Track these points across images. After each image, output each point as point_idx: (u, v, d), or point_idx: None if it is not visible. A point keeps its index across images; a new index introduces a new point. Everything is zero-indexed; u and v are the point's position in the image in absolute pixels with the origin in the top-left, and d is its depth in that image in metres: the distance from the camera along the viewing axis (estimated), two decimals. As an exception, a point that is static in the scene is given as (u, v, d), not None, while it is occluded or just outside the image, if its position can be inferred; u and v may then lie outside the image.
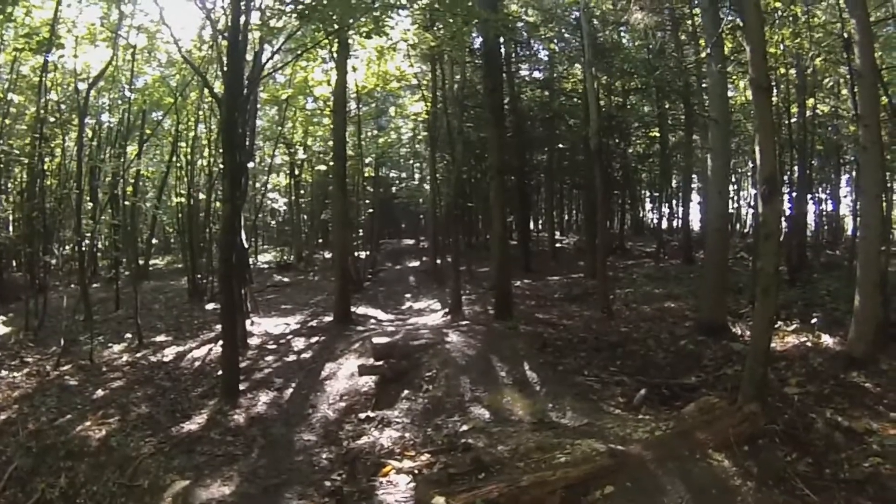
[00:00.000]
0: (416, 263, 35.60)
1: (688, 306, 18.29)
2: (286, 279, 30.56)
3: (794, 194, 23.54)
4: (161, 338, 17.68)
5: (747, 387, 9.26)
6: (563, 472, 6.47)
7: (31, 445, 10.88)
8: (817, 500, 6.75)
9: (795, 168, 23.67)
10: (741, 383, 9.73)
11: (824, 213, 33.85)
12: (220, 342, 14.55)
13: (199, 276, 24.53)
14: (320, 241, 43.88)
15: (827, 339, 13.68)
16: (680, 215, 35.83)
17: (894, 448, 8.17)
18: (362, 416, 11.25)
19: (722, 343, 14.31)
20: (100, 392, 13.30)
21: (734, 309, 16.77)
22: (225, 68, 13.36)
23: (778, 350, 13.18)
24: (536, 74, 35.13)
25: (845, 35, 14.98)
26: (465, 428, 9.53)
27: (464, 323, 17.11)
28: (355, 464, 8.94)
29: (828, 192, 33.68)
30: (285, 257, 37.95)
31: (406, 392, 11.86)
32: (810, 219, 29.85)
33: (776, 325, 14.38)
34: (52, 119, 23.41)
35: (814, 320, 14.89)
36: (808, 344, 13.64)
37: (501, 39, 20.69)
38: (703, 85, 22.45)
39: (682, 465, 6.83)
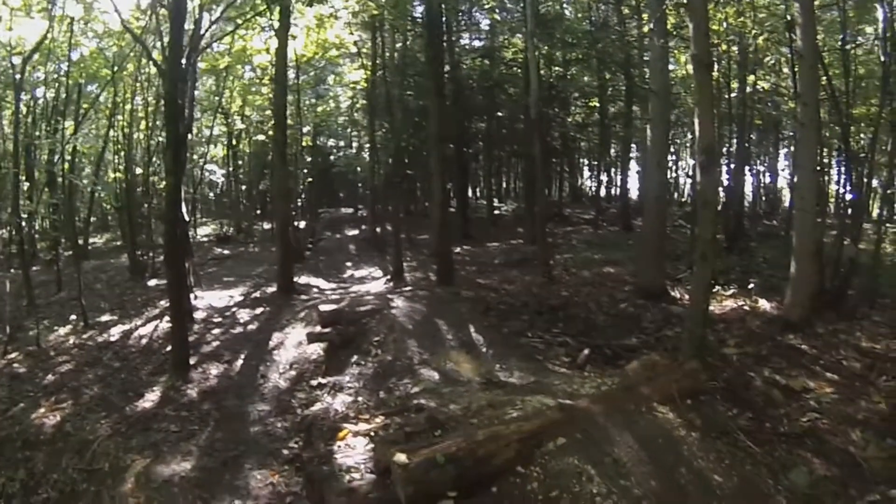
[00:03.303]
0: (356, 232, 35.68)
1: (627, 272, 18.77)
2: (226, 252, 30.11)
3: (732, 166, 24.26)
4: (106, 317, 17.24)
5: (687, 347, 9.68)
6: (516, 426, 6.71)
7: None
8: (759, 452, 7.11)
9: (734, 141, 24.38)
10: (681, 343, 10.20)
11: (762, 185, 35.00)
12: (166, 318, 14.47)
13: (139, 252, 24.11)
14: (259, 212, 43.49)
15: (764, 304, 14.39)
16: (618, 184, 36.46)
17: (831, 405, 8.68)
18: (314, 383, 11.36)
19: (661, 306, 14.84)
20: (50, 377, 12.98)
21: (672, 274, 17.35)
22: (167, 38, 13.14)
23: (717, 313, 13.78)
24: (477, 43, 35.17)
25: (788, 17, 15.50)
26: (416, 390, 9.71)
27: (407, 289, 17.33)
28: (311, 430, 9.02)
29: (766, 165, 34.82)
30: (224, 229, 37.46)
31: (355, 357, 12.02)
32: (749, 190, 30.96)
33: (714, 290, 14.97)
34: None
35: (751, 286, 15.57)
36: (746, 308, 14.29)
37: (443, 7, 20.68)
38: (645, 57, 22.85)
39: (628, 417, 7.14)
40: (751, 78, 23.08)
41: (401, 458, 6.27)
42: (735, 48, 22.14)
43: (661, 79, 16.38)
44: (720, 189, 24.88)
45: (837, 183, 21.96)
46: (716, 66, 21.61)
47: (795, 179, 14.88)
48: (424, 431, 7.31)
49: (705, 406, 7.98)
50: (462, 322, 13.67)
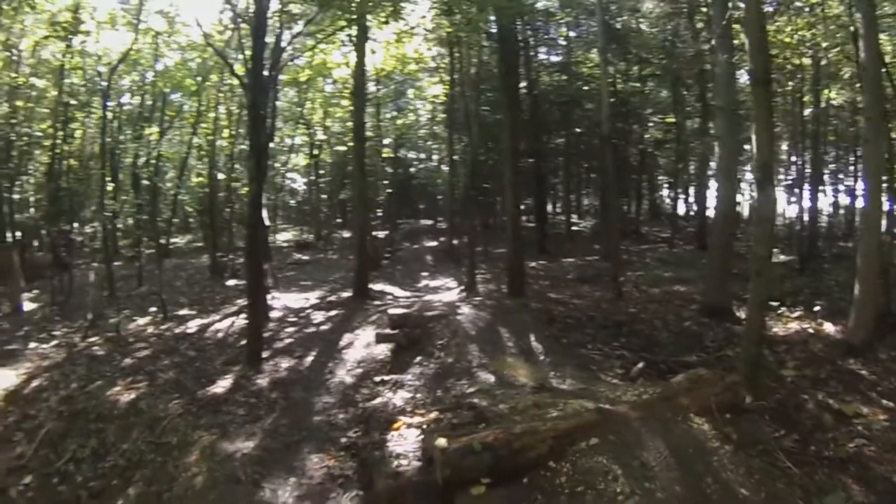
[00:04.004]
0: (434, 243, 35.92)
1: (696, 290, 18.55)
2: (305, 257, 30.98)
3: (807, 186, 23.81)
4: (184, 311, 18.25)
5: (742, 365, 9.77)
6: (552, 424, 7.10)
7: (62, 410, 11.45)
8: (798, 473, 7.12)
9: (809, 159, 23.90)
10: (737, 362, 10.28)
11: (839, 205, 34.02)
12: (242, 315, 15.29)
13: (219, 253, 25.24)
14: (339, 220, 44.46)
15: (829, 327, 14.10)
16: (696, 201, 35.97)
17: (881, 432, 8.62)
18: (377, 379, 11.90)
19: (725, 326, 14.72)
20: (127, 361, 13.85)
21: (740, 294, 17.11)
22: (248, 52, 13.90)
23: (780, 335, 13.78)
24: (555, 58, 35.32)
25: (852, 28, 15.26)
26: (471, 390, 10.16)
27: (476, 298, 17.66)
28: (370, 421, 9.67)
29: (845, 184, 33.85)
30: (304, 236, 38.46)
31: (419, 358, 12.49)
32: (828, 211, 30.12)
33: (780, 312, 14.90)
34: (73, 102, 24.09)
35: (817, 308, 15.24)
36: (810, 330, 14.06)
37: (518, 23, 21.01)
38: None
39: (663, 425, 7.35)
40: (825, 93, 22.64)
41: (441, 442, 6.78)
42: (808, 61, 21.76)
43: (727, 94, 16.27)
44: (801, 210, 24.49)
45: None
46: (789, 82, 21.34)
47: (860, 198, 14.64)
48: (470, 424, 7.75)
49: (744, 421, 8.06)
50: (524, 331, 14.00)
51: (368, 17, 16.69)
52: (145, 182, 26.60)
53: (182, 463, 9.47)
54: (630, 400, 8.21)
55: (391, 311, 15.14)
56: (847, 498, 6.92)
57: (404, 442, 7.90)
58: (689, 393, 8.10)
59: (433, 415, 8.51)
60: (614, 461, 6.62)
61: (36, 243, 29.32)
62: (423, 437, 7.78)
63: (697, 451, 7.00)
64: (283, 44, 16.20)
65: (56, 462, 10.29)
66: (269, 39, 15.56)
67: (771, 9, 20.59)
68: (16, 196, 23.19)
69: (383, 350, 13.41)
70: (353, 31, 19.39)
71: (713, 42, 17.76)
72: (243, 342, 14.07)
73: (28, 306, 18.84)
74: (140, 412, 11.21)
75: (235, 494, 8.52)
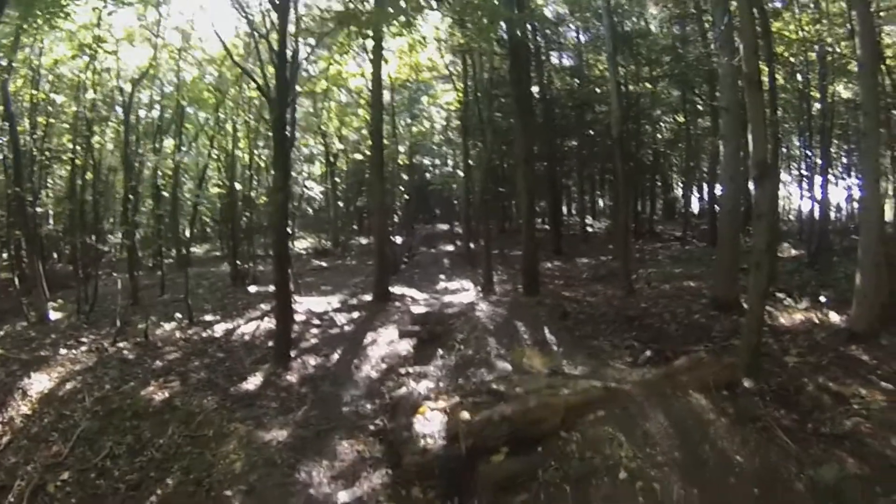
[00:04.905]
0: (450, 247, 36.54)
1: (706, 285, 18.84)
2: (324, 264, 31.57)
3: (819, 179, 24.07)
4: (209, 317, 18.70)
5: (743, 353, 10.24)
6: (563, 399, 7.78)
7: (97, 410, 11.86)
8: (795, 448, 7.57)
9: (819, 153, 24.18)
10: (738, 350, 10.76)
11: (852, 198, 34.20)
12: (267, 318, 16.11)
13: (239, 261, 25.90)
14: (356, 227, 45.11)
15: (833, 317, 14.37)
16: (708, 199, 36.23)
17: (879, 411, 8.96)
18: (402, 371, 12.70)
19: (732, 318, 14.94)
20: (158, 363, 14.37)
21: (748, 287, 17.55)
22: (270, 69, 14.59)
23: (785, 325, 14.16)
24: (567, 62, 35.79)
25: (849, 25, 15.62)
26: (490, 377, 10.98)
27: (493, 298, 18.36)
28: (396, 408, 10.32)
29: (857, 178, 34.06)
30: (322, 243, 39.11)
31: (440, 352, 13.31)
32: (844, 204, 30.29)
33: (786, 303, 15.30)
34: (89, 115, 24.82)
35: (822, 299, 15.55)
36: (815, 320, 14.36)
37: (529, 29, 21.41)
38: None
39: (664, 400, 7.94)
40: (831, 88, 22.85)
41: (464, 415, 7.60)
42: (814, 56, 21.95)
43: (730, 95, 16.54)
44: (813, 203, 24.78)
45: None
46: (798, 76, 21.63)
47: (859, 190, 14.88)
48: (489, 403, 8.41)
49: (741, 398, 8.54)
50: (539, 325, 14.71)
51: (383, 29, 17.29)
52: (165, 194, 27.27)
53: (220, 452, 10.11)
54: (635, 379, 8.81)
55: (413, 309, 16.00)
56: (841, 469, 7.28)
57: (429, 424, 8.54)
58: (688, 372, 8.62)
59: (455, 399, 9.10)
60: (619, 430, 7.23)
61: (55, 255, 30.11)
62: (447, 418, 8.42)
63: (695, 423, 7.53)
64: (301, 57, 16.87)
65: (93, 458, 10.63)
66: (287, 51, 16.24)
67: (779, 5, 21.04)
68: (38, 210, 23.69)
69: (406, 346, 14.19)
70: (369, 42, 19.98)
71: (713, 45, 18.12)
72: (270, 343, 14.73)
73: (54, 315, 19.41)
74: (175, 409, 11.75)
75: (273, 476, 9.20)
